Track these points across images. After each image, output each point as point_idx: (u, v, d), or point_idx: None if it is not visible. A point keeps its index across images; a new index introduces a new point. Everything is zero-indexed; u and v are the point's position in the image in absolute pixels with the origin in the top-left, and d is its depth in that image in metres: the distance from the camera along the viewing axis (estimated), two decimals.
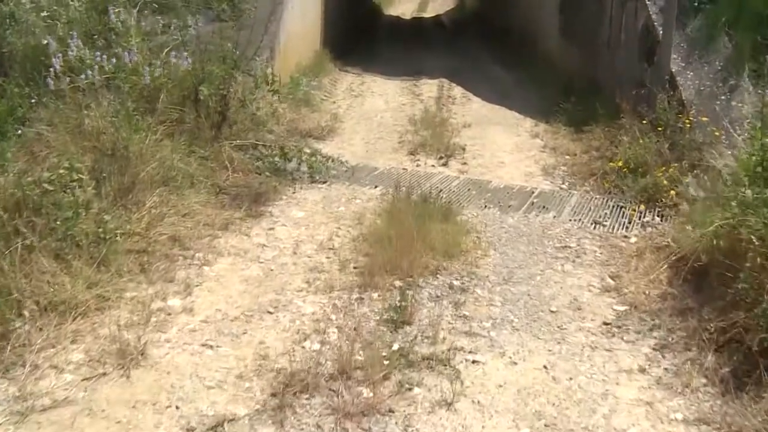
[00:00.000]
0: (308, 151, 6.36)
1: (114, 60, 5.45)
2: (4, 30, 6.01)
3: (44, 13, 5.86)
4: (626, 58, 8.10)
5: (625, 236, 5.19)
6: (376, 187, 6.14)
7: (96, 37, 5.87)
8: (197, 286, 4.13)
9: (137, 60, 5.53)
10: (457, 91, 10.91)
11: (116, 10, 6.06)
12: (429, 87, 11.14)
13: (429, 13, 26.79)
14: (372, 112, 9.22)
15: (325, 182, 6.14)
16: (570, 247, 4.97)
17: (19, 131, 5.25)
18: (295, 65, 9.92)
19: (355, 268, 4.42)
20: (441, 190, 6.03)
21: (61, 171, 4.24)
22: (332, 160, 6.38)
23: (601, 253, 4.87)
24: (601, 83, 8.79)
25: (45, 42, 5.44)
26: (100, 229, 4.09)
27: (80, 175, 4.28)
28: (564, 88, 9.30)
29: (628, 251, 4.83)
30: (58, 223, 3.97)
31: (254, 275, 4.35)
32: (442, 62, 13.66)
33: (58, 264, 3.78)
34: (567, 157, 7.26)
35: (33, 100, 5.52)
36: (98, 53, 5.42)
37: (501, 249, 4.89)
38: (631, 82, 7.64)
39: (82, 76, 5.19)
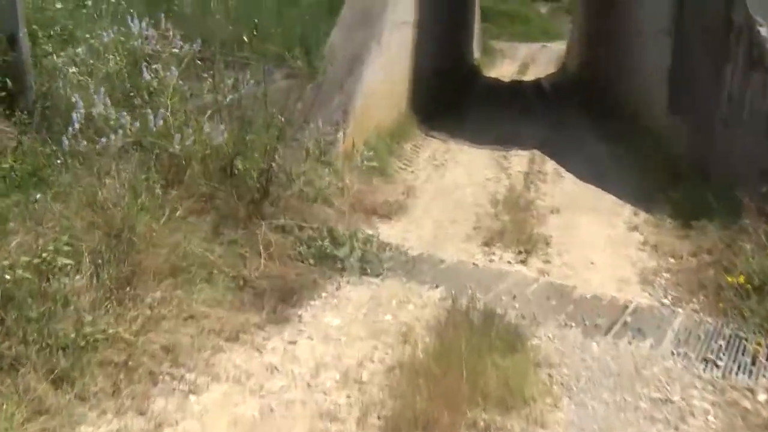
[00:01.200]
0: (364, 235, 5.51)
1: (146, 122, 4.80)
2: (41, 85, 5.53)
3: (74, 69, 5.30)
4: (749, 141, 6.88)
5: (749, 389, 3.99)
6: (436, 287, 5.17)
7: (133, 94, 5.27)
8: (172, 426, 3.26)
9: (168, 123, 4.87)
10: (549, 165, 9.89)
11: (153, 66, 5.44)
12: (519, 159, 10.17)
13: (529, 77, 25.87)
14: (451, 187, 8.32)
15: (378, 275, 5.24)
16: (672, 401, 3.80)
17: (38, 196, 4.63)
18: (374, 128, 9.19)
19: (378, 418, 3.43)
20: (514, 297, 5.04)
21: (44, 254, 3.53)
22: (391, 248, 5.52)
23: (715, 419, 3.67)
24: (715, 169, 7.56)
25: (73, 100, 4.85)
26: (73, 334, 3.32)
27: (65, 260, 3.56)
28: (670, 171, 8.15)
29: (754, 419, 3.65)
30: (24, 322, 3.24)
31: (247, 416, 3.42)
32: (538, 131, 12.71)
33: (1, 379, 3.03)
34: (671, 260, 6.09)
35: (59, 161, 4.92)
36: (124, 113, 4.78)
37: (578, 397, 3.78)
38: (754, 171, 6.44)
39: (103, 139, 4.55)
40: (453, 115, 13.64)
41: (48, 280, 3.54)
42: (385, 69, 9.83)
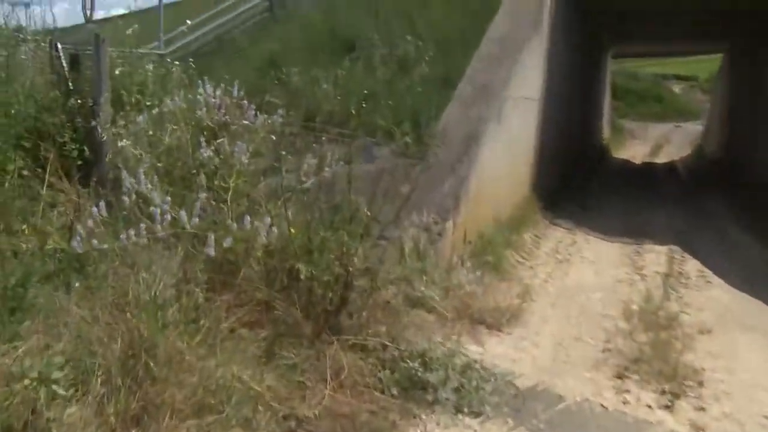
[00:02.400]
0: (464, 359, 4.39)
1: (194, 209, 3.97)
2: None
3: (126, 141, 4.61)
4: None
5: None
6: None
7: (195, 172, 4.47)
8: None
9: (225, 210, 4.03)
10: (691, 266, 8.44)
11: (218, 140, 4.62)
12: (655, 256, 8.79)
13: (662, 158, 24.10)
14: (576, 289, 7.06)
15: (477, 415, 4.07)
16: None
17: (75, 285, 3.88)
18: (491, 216, 8.12)
19: None
20: None
21: (27, 381, 2.69)
22: (496, 377, 4.38)
23: None
24: None
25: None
26: None
27: (57, 388, 2.71)
28: None
29: None
30: None
31: None
32: (674, 220, 11.26)
33: None
34: None
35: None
36: (168, 198, 3.97)
37: None
38: None
39: (142, 225, 3.74)
40: (579, 200, 12.38)
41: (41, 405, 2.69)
42: (506, 149, 8.81)
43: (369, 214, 4.34)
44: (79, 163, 5.45)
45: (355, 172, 5.49)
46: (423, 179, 6.85)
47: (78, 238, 3.65)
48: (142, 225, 3.69)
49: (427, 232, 6.19)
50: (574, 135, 15.81)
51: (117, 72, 5.69)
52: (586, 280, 7.47)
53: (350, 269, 4.01)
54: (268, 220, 3.90)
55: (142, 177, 4.06)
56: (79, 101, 5.55)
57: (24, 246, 3.80)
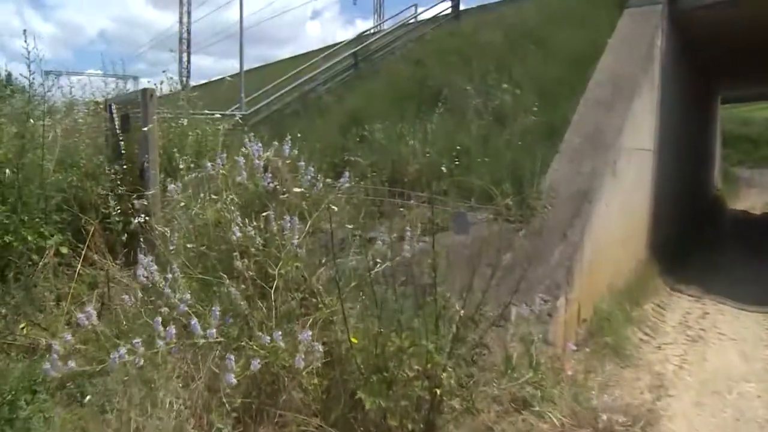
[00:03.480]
0: None
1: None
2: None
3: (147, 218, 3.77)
4: None
5: None
6: None
7: (237, 254, 3.55)
8: None
9: (273, 309, 3.09)
10: None
11: (265, 213, 3.66)
12: None
13: None
14: (722, 380, 5.72)
15: None
16: None
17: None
18: (606, 286, 6.94)
19: None
20: None
21: None
22: None
23: None
24: None
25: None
26: None
27: None
28: None
29: None
30: None
31: None
32: None
33: None
34: None
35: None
36: (187, 296, 3.07)
37: None
38: None
39: (170, 329, 2.85)
40: (701, 260, 10.87)
41: None
42: (621, 207, 7.63)
43: (462, 310, 3.30)
44: (126, 236, 4.73)
45: (445, 245, 4.52)
46: (528, 248, 5.79)
47: (54, 356, 2.80)
48: (137, 340, 2.79)
49: (534, 314, 5.11)
50: (687, 187, 14.32)
51: (170, 133, 4.99)
52: (732, 366, 6.11)
53: (437, 390, 2.98)
54: (308, 335, 2.92)
55: (174, 270, 3.20)
56: (125, 166, 4.86)
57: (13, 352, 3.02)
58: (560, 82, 8.51)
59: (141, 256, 3.29)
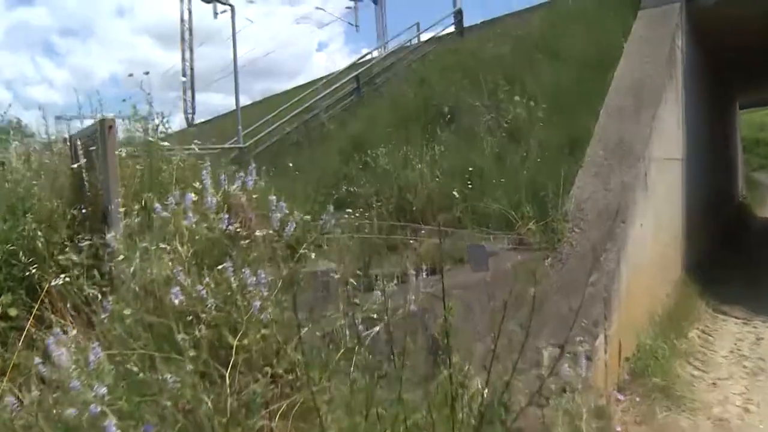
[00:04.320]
0: None
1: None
2: None
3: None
4: None
5: None
6: None
7: (192, 318, 2.75)
8: None
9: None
10: None
11: (221, 266, 2.85)
12: None
13: None
14: None
15: None
16: None
17: None
18: (646, 316, 6.14)
19: None
20: None
21: None
22: None
23: None
24: None
25: None
26: None
27: None
28: None
29: None
30: None
31: None
32: None
33: None
34: None
35: None
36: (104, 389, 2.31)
37: None
38: None
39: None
40: (740, 276, 9.96)
41: None
42: (654, 224, 6.85)
43: (486, 388, 2.52)
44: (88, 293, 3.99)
45: (461, 283, 3.77)
46: (557, 280, 5.03)
47: None
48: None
49: (571, 358, 4.33)
50: (714, 196, 13.48)
51: (138, 169, 4.30)
52: None
53: None
54: None
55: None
56: (84, 210, 4.17)
57: None
58: (576, 91, 7.78)
59: (50, 338, 2.55)
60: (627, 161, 6.46)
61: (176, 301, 2.61)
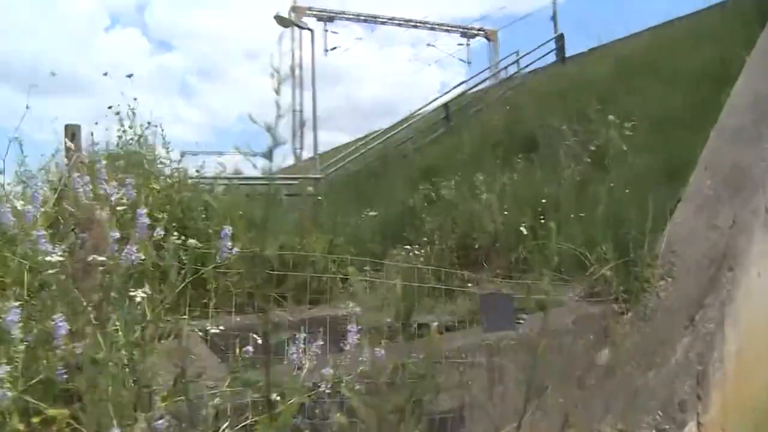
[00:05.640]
0: None
1: None
2: None
3: None
4: None
5: None
6: None
7: None
8: None
9: None
10: None
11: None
12: None
13: None
14: None
15: None
16: None
17: None
18: (764, 387, 4.74)
19: None
20: None
21: None
22: None
23: None
24: None
25: None
26: None
27: None
28: None
29: None
30: None
31: None
32: None
33: None
34: None
35: None
36: None
37: None
38: None
39: None
40: None
41: None
42: None
43: None
44: None
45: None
46: (635, 342, 3.82)
47: None
48: None
49: None
50: None
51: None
52: None
53: None
54: None
55: None
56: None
57: None
58: (681, 111, 6.51)
59: None
60: (742, 193, 5.13)
61: None
